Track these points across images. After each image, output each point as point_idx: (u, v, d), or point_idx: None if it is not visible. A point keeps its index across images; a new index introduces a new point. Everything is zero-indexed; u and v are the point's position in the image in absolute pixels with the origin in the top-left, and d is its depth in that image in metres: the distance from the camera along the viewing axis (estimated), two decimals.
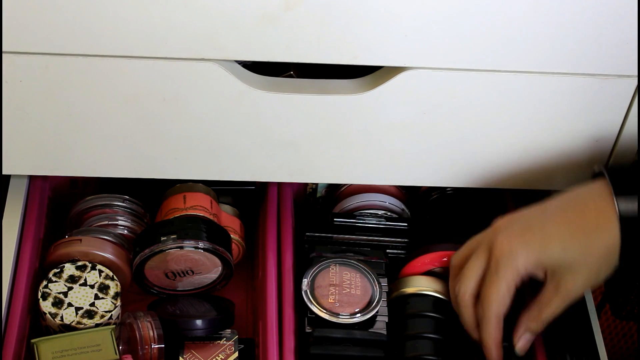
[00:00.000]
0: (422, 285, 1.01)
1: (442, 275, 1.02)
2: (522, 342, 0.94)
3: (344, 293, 0.98)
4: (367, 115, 0.95)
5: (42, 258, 1.02)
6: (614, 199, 0.86)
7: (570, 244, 0.88)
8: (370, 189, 1.08)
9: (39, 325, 0.98)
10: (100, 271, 0.98)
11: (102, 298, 0.97)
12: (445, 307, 1.00)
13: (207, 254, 1.00)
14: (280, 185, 1.08)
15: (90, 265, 0.98)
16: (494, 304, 0.90)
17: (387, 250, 1.04)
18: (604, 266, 0.88)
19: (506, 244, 0.89)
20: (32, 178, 1.04)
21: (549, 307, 0.91)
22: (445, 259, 1.01)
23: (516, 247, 0.88)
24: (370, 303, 0.98)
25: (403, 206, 1.08)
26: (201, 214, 1.02)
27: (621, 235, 0.86)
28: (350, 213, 1.07)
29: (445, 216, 1.06)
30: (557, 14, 0.88)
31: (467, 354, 1.01)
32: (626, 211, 0.86)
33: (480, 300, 0.92)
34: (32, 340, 0.93)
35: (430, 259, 1.01)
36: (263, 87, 0.93)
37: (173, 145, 0.96)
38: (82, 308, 0.96)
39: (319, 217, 1.05)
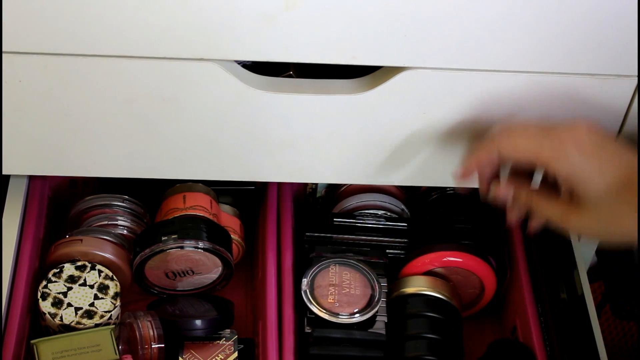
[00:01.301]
0: (422, 285, 1.01)
1: (443, 275, 1.02)
2: (501, 191, 0.92)
3: (343, 293, 0.98)
4: (367, 115, 0.95)
5: (41, 258, 1.02)
6: None
7: (615, 197, 0.85)
8: (370, 189, 1.08)
9: (38, 326, 0.98)
10: (100, 271, 0.98)
11: (102, 298, 0.97)
12: (445, 307, 1.00)
13: (207, 254, 1.00)
14: (280, 185, 1.08)
15: (89, 265, 0.98)
16: (515, 140, 0.88)
17: (387, 251, 1.04)
18: (619, 237, 0.86)
19: (574, 140, 0.86)
20: (31, 178, 1.05)
21: (549, 211, 0.89)
22: (445, 259, 1.01)
23: (575, 148, 0.86)
24: (369, 303, 0.98)
25: (403, 206, 1.08)
26: (201, 214, 1.02)
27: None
28: (350, 213, 1.07)
29: (445, 216, 1.06)
30: (556, 14, 0.88)
31: (467, 354, 1.02)
32: None
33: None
34: (32, 341, 0.93)
35: (431, 259, 1.01)
36: (263, 87, 0.93)
37: (173, 145, 0.96)
38: (81, 308, 0.96)
39: (318, 217, 1.05)
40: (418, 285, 1.01)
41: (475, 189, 1.05)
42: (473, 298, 1.05)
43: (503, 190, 0.92)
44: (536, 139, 0.87)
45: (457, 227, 1.03)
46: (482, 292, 1.04)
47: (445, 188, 1.08)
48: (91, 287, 0.97)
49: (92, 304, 0.96)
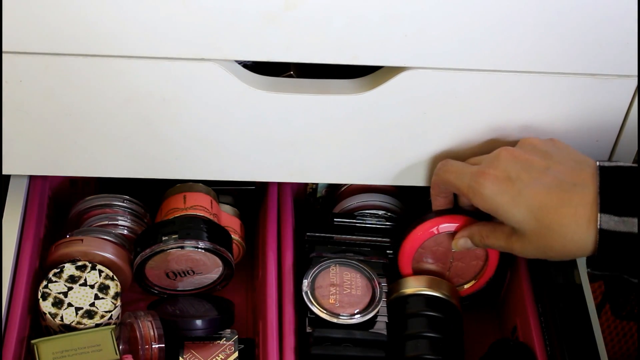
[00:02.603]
0: (422, 285, 1.01)
1: (444, 249, 1.01)
2: (460, 242, 0.98)
3: (344, 293, 0.98)
4: (367, 115, 0.95)
5: (42, 258, 1.02)
6: (598, 215, 0.85)
7: (535, 223, 0.88)
8: (370, 189, 1.08)
9: (39, 326, 0.98)
10: (100, 271, 0.98)
11: (102, 298, 0.97)
12: (445, 306, 1.00)
13: (208, 254, 1.00)
14: (280, 185, 1.08)
15: (90, 265, 0.98)
16: (442, 176, 0.95)
17: (387, 251, 1.04)
18: (559, 255, 0.89)
19: (487, 177, 0.91)
20: (32, 178, 1.04)
21: (494, 241, 0.94)
22: (444, 225, 0.99)
23: (488, 185, 0.90)
24: (370, 303, 0.98)
25: (403, 206, 1.08)
26: (201, 214, 1.02)
27: (598, 247, 0.85)
28: (351, 213, 1.07)
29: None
30: (557, 14, 0.88)
31: (467, 353, 1.02)
32: (607, 227, 0.85)
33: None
34: (33, 341, 0.93)
35: (431, 224, 1.00)
36: (263, 87, 0.93)
37: (173, 145, 0.96)
38: (82, 308, 0.96)
39: (319, 217, 1.05)
40: (418, 286, 1.01)
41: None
42: (477, 271, 1.04)
43: (460, 242, 0.98)
44: (462, 174, 0.93)
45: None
46: (485, 262, 1.03)
47: None
48: (91, 287, 0.97)
49: (92, 304, 0.96)
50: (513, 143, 0.98)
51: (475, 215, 0.98)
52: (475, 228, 0.97)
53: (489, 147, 0.98)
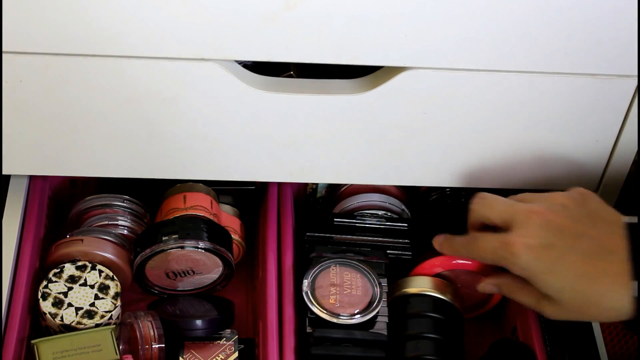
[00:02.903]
0: (424, 286, 1.01)
1: (450, 276, 1.02)
2: (487, 287, 0.96)
3: (344, 293, 0.98)
4: (367, 115, 0.95)
5: (42, 258, 1.02)
6: (631, 283, 0.85)
7: (573, 293, 0.88)
8: (370, 189, 1.08)
9: (39, 326, 0.98)
10: (100, 271, 0.98)
11: (102, 298, 0.97)
12: (446, 307, 1.00)
13: (208, 254, 1.00)
14: (280, 185, 1.08)
15: (90, 265, 0.98)
16: (475, 252, 0.93)
17: (388, 251, 1.04)
18: (594, 319, 0.91)
19: (519, 246, 0.89)
20: (32, 178, 1.04)
21: (523, 298, 0.92)
22: (455, 261, 1.00)
23: (522, 254, 0.89)
24: (370, 303, 0.98)
25: (403, 206, 1.08)
26: (201, 214, 1.02)
27: (637, 316, 0.85)
28: (351, 213, 1.07)
29: (446, 216, 1.06)
30: (557, 14, 0.88)
31: (467, 354, 1.02)
32: None
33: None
34: (33, 341, 0.93)
35: (441, 262, 1.01)
36: (263, 87, 0.93)
37: (173, 145, 0.96)
38: (82, 308, 0.96)
39: (319, 217, 1.05)
40: (419, 286, 1.01)
41: (475, 189, 1.05)
42: (483, 298, 1.04)
43: (487, 287, 0.97)
44: (492, 248, 0.91)
45: (459, 230, 1.03)
46: (489, 295, 1.04)
47: (445, 188, 1.07)
48: (92, 287, 0.97)
49: (92, 304, 0.96)
50: (513, 143, 0.98)
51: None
52: (505, 279, 0.94)
53: (488, 147, 0.98)
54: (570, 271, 0.87)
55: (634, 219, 0.88)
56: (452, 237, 0.97)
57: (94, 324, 0.95)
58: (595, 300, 0.87)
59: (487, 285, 0.96)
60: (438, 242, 0.98)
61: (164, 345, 0.95)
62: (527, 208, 0.90)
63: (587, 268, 0.87)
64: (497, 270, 0.95)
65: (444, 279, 1.02)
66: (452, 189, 1.07)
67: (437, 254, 1.01)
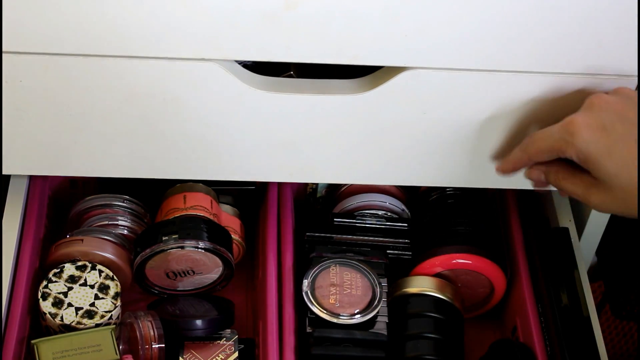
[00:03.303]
0: (424, 286, 1.01)
1: (451, 275, 1.02)
2: (534, 173, 0.94)
3: (344, 293, 0.98)
4: (367, 115, 0.95)
5: (42, 258, 1.02)
6: None
7: (627, 178, 0.86)
8: (370, 189, 1.08)
9: (39, 326, 0.98)
10: (100, 271, 0.98)
11: (102, 298, 0.97)
12: (446, 307, 1.00)
13: (208, 254, 1.00)
14: (280, 185, 1.08)
15: (90, 265, 0.98)
16: (533, 145, 0.91)
17: (388, 251, 1.04)
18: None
19: (579, 125, 0.88)
20: (32, 178, 1.04)
21: (570, 186, 0.91)
22: (455, 261, 1.00)
23: (581, 133, 0.87)
24: (370, 303, 0.98)
25: (403, 206, 1.08)
26: (201, 214, 1.02)
27: None
28: (350, 213, 1.07)
29: (446, 217, 1.06)
30: (556, 14, 0.88)
31: (467, 354, 1.02)
32: None
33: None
34: (33, 341, 0.93)
35: (440, 261, 1.01)
36: (263, 87, 0.93)
37: (173, 145, 0.96)
38: (82, 308, 0.96)
39: (319, 217, 1.05)
40: (420, 286, 1.01)
41: (475, 189, 1.05)
42: (483, 297, 1.05)
43: (534, 173, 0.94)
44: (550, 133, 0.89)
45: (459, 229, 1.03)
46: (492, 291, 1.04)
47: (445, 188, 1.07)
48: (92, 287, 0.97)
49: (92, 304, 0.96)
50: (513, 143, 0.98)
51: (492, 257, 0.99)
52: (555, 166, 0.92)
53: (488, 147, 0.98)
54: (628, 156, 0.86)
55: None
56: (509, 154, 0.95)
57: (94, 324, 0.95)
58: (636, 195, 0.85)
59: (534, 171, 0.94)
60: (497, 168, 0.97)
61: (164, 345, 0.95)
62: (599, 94, 0.90)
63: (635, 163, 0.85)
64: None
65: (444, 279, 1.02)
66: (453, 188, 1.07)
67: (437, 253, 1.01)
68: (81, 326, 0.95)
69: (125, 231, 1.04)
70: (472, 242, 1.02)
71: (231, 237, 1.03)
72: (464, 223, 1.04)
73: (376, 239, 1.04)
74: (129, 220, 1.04)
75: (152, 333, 0.95)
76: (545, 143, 0.90)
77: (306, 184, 1.11)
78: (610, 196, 0.87)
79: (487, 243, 1.02)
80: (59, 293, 0.97)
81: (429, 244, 1.03)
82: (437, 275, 1.01)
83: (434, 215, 1.07)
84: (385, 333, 0.97)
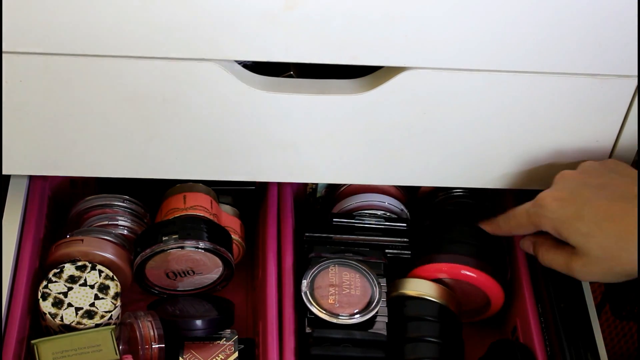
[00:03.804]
0: (423, 290, 1.00)
1: (450, 284, 1.02)
2: (525, 244, 1.00)
3: (343, 294, 0.98)
4: (367, 115, 0.95)
5: (42, 258, 1.02)
6: None
7: (601, 236, 0.89)
8: (369, 189, 1.08)
9: (39, 326, 0.98)
10: (100, 271, 0.98)
11: (102, 298, 0.97)
12: (445, 313, 1.00)
13: (208, 254, 1.00)
14: (280, 185, 1.08)
15: (90, 265, 0.98)
16: (512, 220, 0.98)
17: (387, 251, 1.04)
18: (625, 270, 0.89)
19: (547, 198, 0.93)
20: (32, 178, 1.04)
21: (553, 257, 0.95)
22: (462, 272, 1.00)
23: (550, 204, 0.92)
24: (370, 304, 0.98)
25: (402, 206, 1.08)
26: (201, 214, 1.02)
27: None
28: (349, 213, 1.07)
29: (455, 221, 1.05)
30: (556, 14, 0.88)
31: (467, 354, 1.02)
32: None
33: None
34: (33, 341, 0.93)
35: (448, 268, 1.01)
36: (263, 87, 0.93)
37: (173, 145, 0.96)
38: (82, 308, 0.96)
39: (318, 217, 1.05)
40: (419, 290, 1.00)
41: (476, 190, 1.05)
42: (476, 309, 1.05)
43: (525, 244, 1.00)
44: (525, 209, 0.96)
45: (469, 239, 1.03)
46: (485, 306, 1.04)
47: (451, 189, 1.07)
48: (91, 287, 0.97)
49: (92, 304, 0.96)
50: (512, 143, 0.98)
51: (497, 276, 1.00)
52: (540, 238, 0.97)
53: (488, 147, 0.98)
54: (596, 215, 0.89)
55: None
56: (494, 218, 1.01)
57: (94, 324, 0.95)
58: (625, 243, 0.87)
59: (525, 242, 0.99)
60: (483, 225, 1.03)
61: (164, 345, 0.95)
62: (562, 171, 0.95)
63: (614, 210, 0.88)
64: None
65: (443, 284, 1.01)
66: (461, 190, 1.07)
67: (445, 260, 1.00)
68: (81, 326, 0.95)
69: (125, 231, 1.04)
70: (482, 255, 1.01)
71: (231, 237, 1.03)
72: (473, 233, 1.03)
73: (375, 238, 1.04)
74: (129, 221, 1.04)
75: (152, 333, 0.95)
76: (521, 219, 0.96)
77: (306, 184, 1.11)
78: (589, 263, 0.90)
79: (494, 258, 1.02)
80: (59, 293, 0.97)
81: (435, 247, 1.02)
82: (437, 280, 1.01)
83: (440, 217, 1.07)
84: (385, 333, 0.97)
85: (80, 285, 0.97)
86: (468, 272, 1.00)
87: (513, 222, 0.98)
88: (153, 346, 0.95)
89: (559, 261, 0.94)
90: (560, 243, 0.93)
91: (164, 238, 0.99)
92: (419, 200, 1.10)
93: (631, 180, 0.91)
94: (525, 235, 0.99)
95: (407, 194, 1.10)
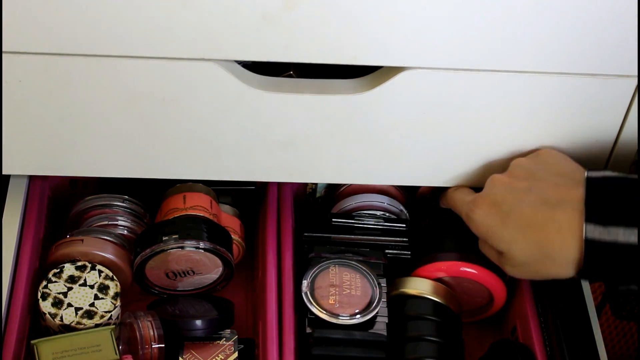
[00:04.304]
0: (422, 289, 1.00)
1: (451, 284, 1.02)
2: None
3: (344, 294, 0.98)
4: (367, 115, 0.95)
5: (42, 258, 1.02)
6: (583, 225, 0.86)
7: (524, 243, 0.91)
8: (369, 190, 1.08)
9: (39, 326, 0.98)
10: (100, 271, 0.98)
11: (102, 298, 0.97)
12: (445, 312, 1.00)
13: (208, 254, 1.00)
14: (280, 185, 1.08)
15: (90, 265, 0.98)
16: (450, 202, 1.01)
17: (386, 251, 1.04)
18: (548, 272, 0.91)
19: (477, 204, 0.94)
20: (32, 178, 1.04)
21: (487, 252, 0.97)
22: (461, 269, 1.00)
23: (478, 211, 0.94)
24: (370, 304, 0.98)
25: (401, 207, 1.08)
26: (201, 214, 1.02)
27: (584, 257, 0.87)
28: (349, 213, 1.07)
29: (455, 219, 1.05)
30: (556, 14, 0.88)
31: (467, 354, 1.02)
32: (592, 237, 0.86)
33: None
34: (32, 341, 0.93)
35: (447, 267, 1.01)
36: (263, 87, 0.93)
37: (173, 145, 0.96)
38: (81, 308, 0.96)
39: (317, 217, 1.05)
40: (419, 288, 1.00)
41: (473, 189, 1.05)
42: (479, 307, 1.04)
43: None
44: (461, 202, 0.98)
45: (468, 236, 1.03)
46: (489, 303, 1.04)
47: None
48: (91, 287, 0.97)
49: (92, 304, 0.96)
50: (512, 143, 0.98)
51: (497, 270, 1.00)
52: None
53: (488, 147, 0.98)
54: (519, 222, 0.90)
55: (594, 173, 0.90)
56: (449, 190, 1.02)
57: (93, 324, 0.95)
58: (546, 250, 0.89)
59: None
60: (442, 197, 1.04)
61: (163, 345, 0.95)
62: (493, 175, 0.96)
63: (536, 217, 0.89)
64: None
65: (444, 284, 1.01)
66: None
67: (443, 258, 1.00)
68: (81, 326, 0.95)
69: (125, 231, 1.04)
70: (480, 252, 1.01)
71: (231, 237, 1.03)
72: (471, 231, 1.03)
73: (374, 238, 1.04)
74: (128, 221, 1.04)
75: (152, 333, 0.95)
76: (458, 207, 0.99)
77: (306, 184, 1.11)
78: (516, 265, 0.92)
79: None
80: (59, 293, 0.97)
81: (434, 246, 1.02)
82: (438, 279, 1.01)
83: (441, 216, 1.07)
84: (385, 333, 0.97)
85: (80, 285, 0.97)
86: (468, 269, 1.00)
87: (449, 201, 1.01)
88: (153, 346, 0.95)
89: (492, 257, 0.96)
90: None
91: (164, 238, 0.99)
92: (418, 201, 1.10)
93: (560, 182, 0.91)
94: None
95: (407, 194, 1.10)
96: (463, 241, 1.01)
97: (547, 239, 0.89)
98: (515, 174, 0.94)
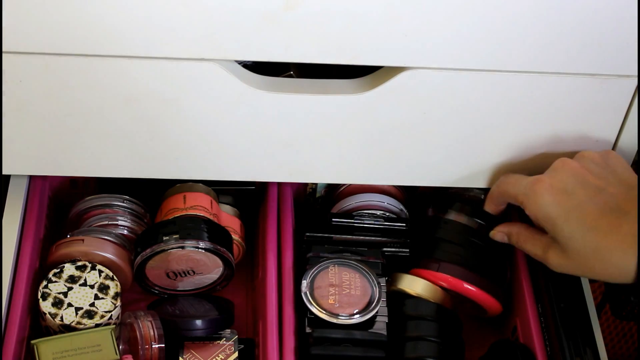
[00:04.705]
0: (424, 290, 1.00)
1: (450, 291, 1.02)
2: (497, 235, 1.00)
3: (343, 294, 0.98)
4: (367, 115, 0.95)
5: (42, 258, 1.02)
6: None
7: (582, 243, 0.89)
8: (368, 189, 1.08)
9: (39, 326, 0.98)
10: (100, 271, 0.98)
11: (102, 298, 0.97)
12: (444, 313, 1.00)
13: (208, 254, 1.00)
14: (280, 185, 1.08)
15: (90, 265, 0.98)
16: (501, 187, 0.97)
17: (385, 248, 1.03)
18: (598, 276, 0.90)
19: (544, 185, 0.92)
20: (32, 178, 1.04)
21: (531, 248, 0.95)
22: (464, 286, 1.00)
23: (544, 193, 0.91)
24: (370, 303, 0.98)
25: (401, 206, 1.08)
26: (201, 214, 1.02)
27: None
28: (349, 213, 1.07)
29: (464, 229, 1.05)
30: (557, 14, 0.88)
31: (467, 354, 1.02)
32: None
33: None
34: (32, 341, 0.93)
35: (450, 281, 1.01)
36: (263, 87, 0.93)
37: (173, 145, 0.96)
38: (82, 308, 0.96)
39: (317, 217, 1.05)
40: (418, 289, 1.00)
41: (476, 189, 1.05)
42: (474, 314, 1.05)
43: (497, 235, 1.00)
44: (519, 184, 0.94)
45: (477, 251, 1.03)
46: (482, 313, 1.04)
47: (465, 189, 1.07)
48: (91, 287, 0.97)
49: (92, 304, 0.96)
50: (513, 143, 0.98)
51: (498, 296, 1.01)
52: (515, 228, 0.97)
53: (488, 147, 0.98)
54: (584, 221, 0.89)
55: None
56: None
57: (93, 324, 0.95)
58: (602, 256, 0.88)
59: (497, 234, 0.99)
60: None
61: (164, 345, 0.95)
62: (564, 159, 0.93)
63: (601, 222, 0.88)
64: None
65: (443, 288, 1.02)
66: (479, 190, 1.07)
67: (448, 271, 1.00)
68: (81, 326, 0.95)
69: (125, 231, 1.04)
70: (482, 266, 1.01)
71: (231, 237, 1.03)
72: (473, 234, 1.03)
73: (374, 238, 1.04)
74: (129, 220, 1.04)
75: (152, 333, 0.95)
76: (512, 190, 0.95)
77: (306, 184, 1.11)
78: (565, 258, 0.91)
79: (494, 268, 1.02)
80: (59, 293, 0.97)
81: (442, 253, 1.02)
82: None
83: (444, 204, 1.06)
84: (385, 333, 0.97)
85: (80, 285, 0.97)
86: (471, 288, 1.00)
87: (507, 186, 0.97)
88: (153, 346, 0.95)
89: (536, 251, 0.94)
90: (538, 232, 0.94)
91: (164, 238, 0.99)
92: (420, 194, 1.10)
93: (625, 192, 0.90)
94: (497, 226, 1.00)
95: (407, 193, 1.10)
96: (470, 254, 1.01)
97: (607, 247, 0.87)
98: (590, 168, 0.92)
